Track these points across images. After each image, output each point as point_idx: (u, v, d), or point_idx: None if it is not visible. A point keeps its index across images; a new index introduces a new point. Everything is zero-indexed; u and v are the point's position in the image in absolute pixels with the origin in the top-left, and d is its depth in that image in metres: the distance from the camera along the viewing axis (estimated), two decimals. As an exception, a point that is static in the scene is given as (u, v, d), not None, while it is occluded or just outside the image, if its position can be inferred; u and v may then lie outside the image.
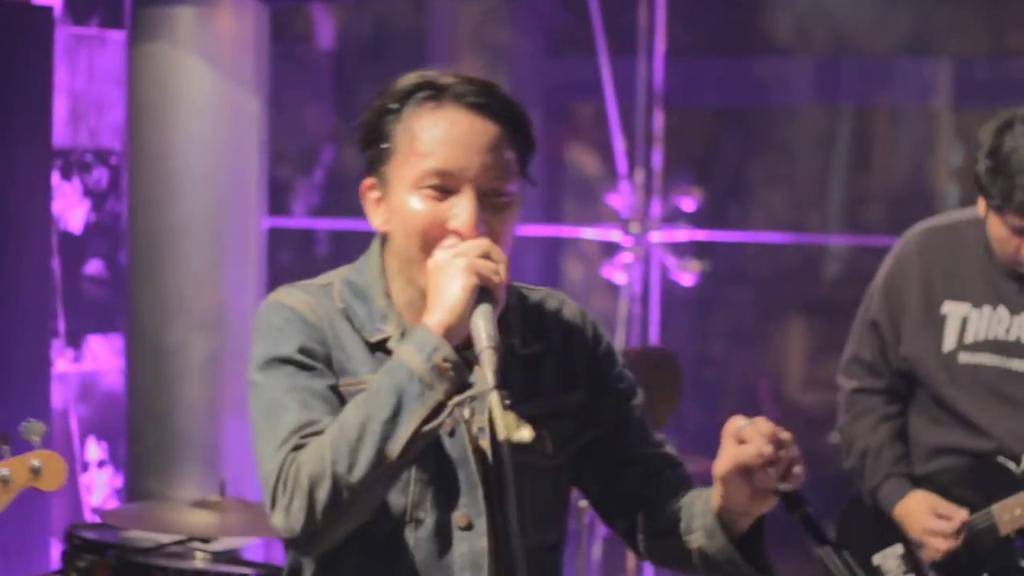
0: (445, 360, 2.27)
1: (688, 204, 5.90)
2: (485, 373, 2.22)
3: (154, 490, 5.27)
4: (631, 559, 5.03)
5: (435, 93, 2.41)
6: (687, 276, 5.93)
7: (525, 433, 2.18)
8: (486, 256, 2.32)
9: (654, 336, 6.05)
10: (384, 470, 2.27)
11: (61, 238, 5.94)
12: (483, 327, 2.27)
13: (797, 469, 2.27)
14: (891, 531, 3.94)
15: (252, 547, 5.03)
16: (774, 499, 2.30)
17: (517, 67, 6.62)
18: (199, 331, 5.41)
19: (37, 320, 5.65)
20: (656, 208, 5.92)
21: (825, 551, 2.25)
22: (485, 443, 2.43)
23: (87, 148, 6.06)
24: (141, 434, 5.44)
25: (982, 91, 6.34)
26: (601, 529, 5.71)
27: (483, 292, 2.30)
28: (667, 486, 2.55)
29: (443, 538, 2.41)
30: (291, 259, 6.74)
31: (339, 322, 2.45)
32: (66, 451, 5.83)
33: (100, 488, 6.17)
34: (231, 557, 4.48)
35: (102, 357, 6.15)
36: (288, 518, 2.29)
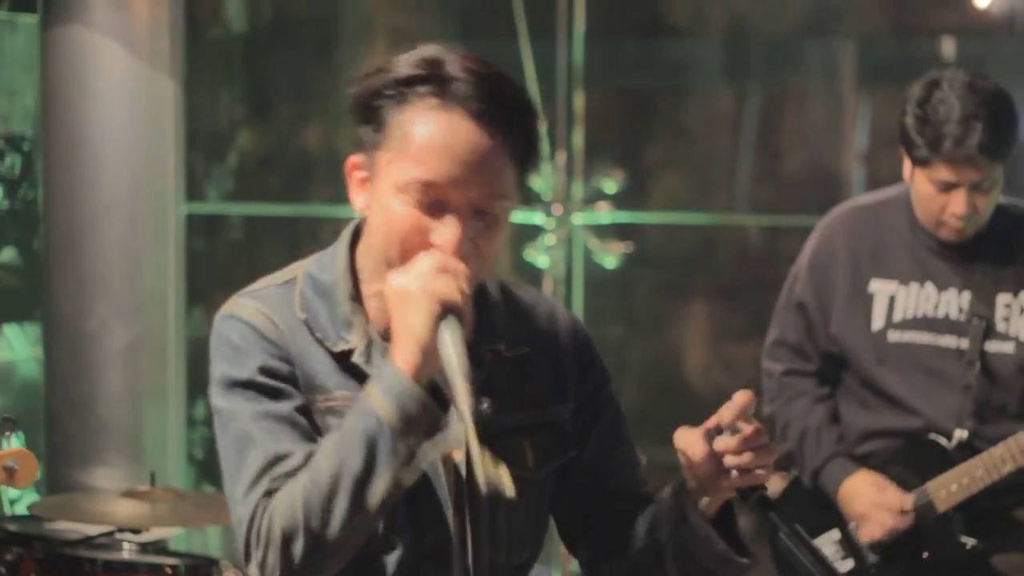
0: (416, 404, 2.11)
1: (610, 186, 5.88)
2: (460, 407, 2.05)
3: (75, 480, 5.20)
4: None
5: (438, 89, 2.18)
6: (610, 258, 5.92)
7: (505, 481, 2.03)
8: (443, 270, 2.13)
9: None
10: (361, 522, 2.14)
11: (-27, 226, 5.84)
12: (454, 354, 2.09)
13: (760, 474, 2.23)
14: (827, 516, 3.92)
15: (176, 536, 4.97)
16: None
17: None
18: (118, 317, 5.34)
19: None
20: (578, 190, 5.90)
21: (787, 535, 2.24)
22: (458, 454, 2.27)
23: (-1, 134, 5.96)
24: (60, 423, 5.37)
25: (886, 70, 6.39)
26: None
27: (447, 310, 2.12)
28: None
29: (416, 562, 2.28)
30: (205, 245, 6.66)
31: (300, 334, 2.26)
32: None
33: (17, 479, 6.06)
34: (160, 547, 4.43)
35: (17, 346, 6.05)
36: (264, 574, 2.15)
